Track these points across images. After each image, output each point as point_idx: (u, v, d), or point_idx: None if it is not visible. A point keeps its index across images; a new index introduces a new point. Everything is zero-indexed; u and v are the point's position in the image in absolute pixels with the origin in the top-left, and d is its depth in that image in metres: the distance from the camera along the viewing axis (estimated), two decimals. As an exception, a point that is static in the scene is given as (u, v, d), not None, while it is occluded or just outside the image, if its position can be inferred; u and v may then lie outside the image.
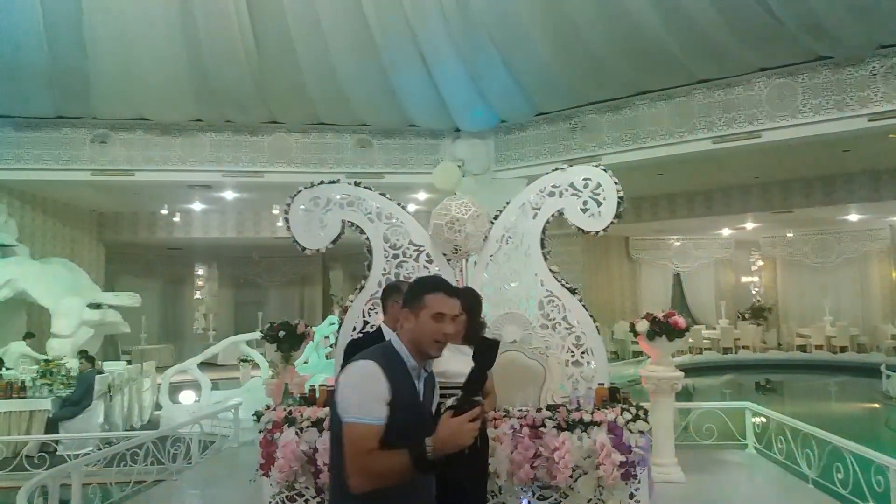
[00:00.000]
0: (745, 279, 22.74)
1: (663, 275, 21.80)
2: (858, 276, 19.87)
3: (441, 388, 3.37)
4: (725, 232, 20.79)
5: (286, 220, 5.59)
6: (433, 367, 3.37)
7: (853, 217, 17.72)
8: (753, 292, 22.40)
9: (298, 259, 22.15)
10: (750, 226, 19.05)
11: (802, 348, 18.87)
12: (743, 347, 19.20)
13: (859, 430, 11.18)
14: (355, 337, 4.04)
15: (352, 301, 5.41)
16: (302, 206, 5.56)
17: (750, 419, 6.50)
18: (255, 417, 4.26)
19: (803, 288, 20.81)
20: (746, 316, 21.06)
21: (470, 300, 3.60)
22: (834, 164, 13.88)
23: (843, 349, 18.00)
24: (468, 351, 3.54)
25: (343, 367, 2.22)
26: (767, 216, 17.37)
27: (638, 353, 17.72)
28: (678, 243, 21.67)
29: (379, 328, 3.64)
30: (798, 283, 21.02)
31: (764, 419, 6.67)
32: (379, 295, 5.12)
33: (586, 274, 17.16)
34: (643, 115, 12.28)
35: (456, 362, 3.44)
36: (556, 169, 5.32)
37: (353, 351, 3.61)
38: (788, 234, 20.73)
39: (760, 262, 22.33)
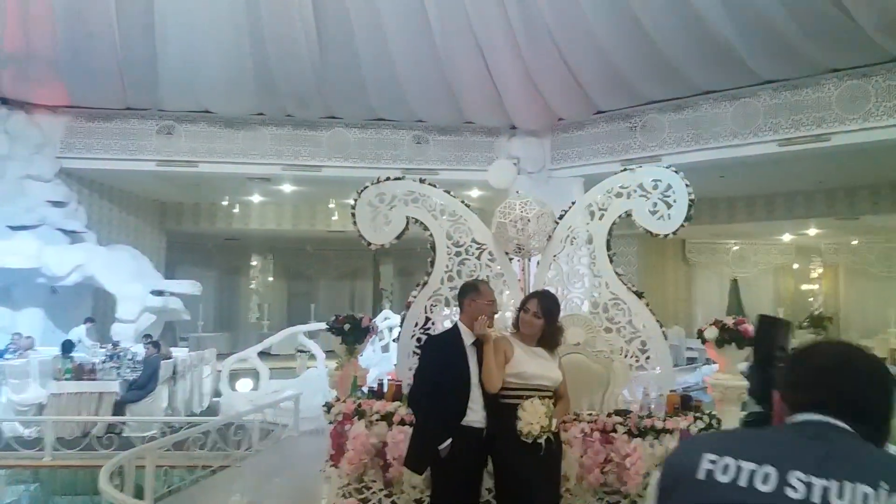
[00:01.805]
0: (805, 287, 22.08)
1: (720, 280, 21.32)
2: (925, 286, 19.12)
3: (517, 388, 3.40)
4: (786, 237, 20.22)
5: (353, 214, 5.64)
6: (511, 370, 3.40)
7: (922, 225, 17.05)
8: (812, 300, 21.75)
9: (350, 253, 22.41)
10: (812, 232, 18.49)
11: (864, 359, 18.23)
12: (801, 356, 18.65)
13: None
14: (435, 334, 4.08)
15: (414, 297, 5.43)
16: (368, 202, 5.59)
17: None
18: (325, 408, 4.34)
19: (866, 297, 20.10)
20: (804, 325, 20.46)
21: (548, 303, 3.60)
22: (905, 170, 13.37)
23: (907, 362, 17.35)
24: (544, 354, 3.55)
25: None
26: (831, 222, 16.83)
27: (692, 360, 17.41)
28: (736, 248, 21.17)
29: (455, 325, 3.67)
30: (861, 292, 20.31)
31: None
32: (441, 291, 5.18)
33: (641, 276, 16.91)
34: (706, 116, 12.04)
35: (532, 364, 3.46)
36: (625, 169, 5.25)
37: (431, 346, 3.68)
38: (853, 242, 20.05)
39: (822, 270, 21.65)
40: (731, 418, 5.32)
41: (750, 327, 5.09)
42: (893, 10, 9.16)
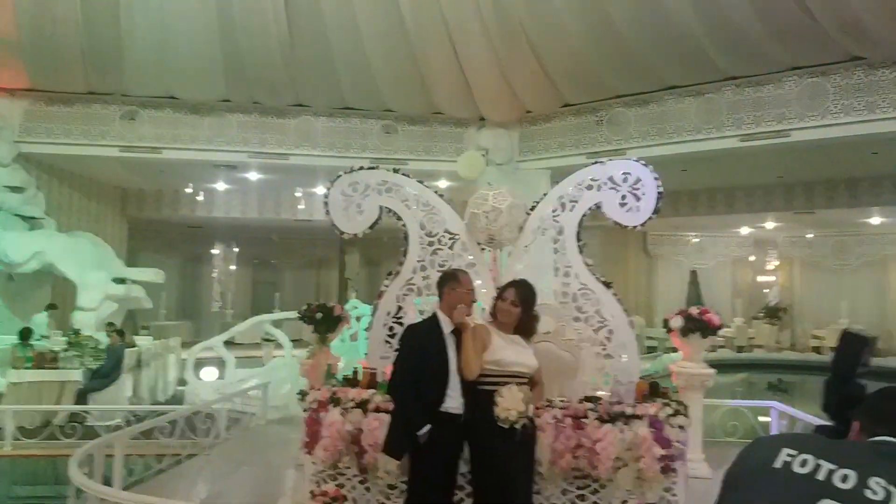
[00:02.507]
0: (761, 278, 22.67)
1: (680, 271, 21.76)
2: (876, 279, 19.79)
3: (495, 375, 3.47)
4: (745, 230, 20.73)
5: (325, 203, 5.63)
6: (489, 357, 3.48)
7: (875, 220, 17.63)
8: (767, 292, 22.33)
9: (316, 242, 22.28)
10: (770, 225, 19.00)
11: (817, 350, 18.81)
12: (757, 347, 19.20)
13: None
14: (414, 323, 4.12)
15: (386, 286, 5.46)
16: (341, 192, 5.59)
17: (777, 418, 6.57)
18: (299, 396, 4.37)
19: (820, 289, 20.74)
20: (760, 315, 21.02)
21: (525, 292, 3.68)
22: (860, 166, 13.80)
23: (858, 352, 17.93)
24: (520, 341, 3.63)
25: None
26: (788, 216, 17.31)
27: (652, 349, 17.78)
28: (696, 240, 21.62)
29: (434, 314, 3.73)
30: (815, 284, 20.95)
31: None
32: (414, 281, 5.22)
33: (603, 268, 16.96)
34: (671, 111, 12.26)
35: (510, 352, 3.53)
36: (596, 162, 5.34)
37: (410, 335, 3.73)
38: (809, 235, 20.64)
39: (778, 262, 22.24)
40: (695, 406, 5.50)
41: (714, 317, 5.26)
42: (853, 11, 9.44)
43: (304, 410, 4.27)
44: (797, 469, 1.31)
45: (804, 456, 1.33)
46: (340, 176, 5.62)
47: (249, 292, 23.15)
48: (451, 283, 3.73)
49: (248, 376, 10.13)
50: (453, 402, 3.45)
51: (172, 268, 20.17)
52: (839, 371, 1.94)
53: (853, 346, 1.97)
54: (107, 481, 5.08)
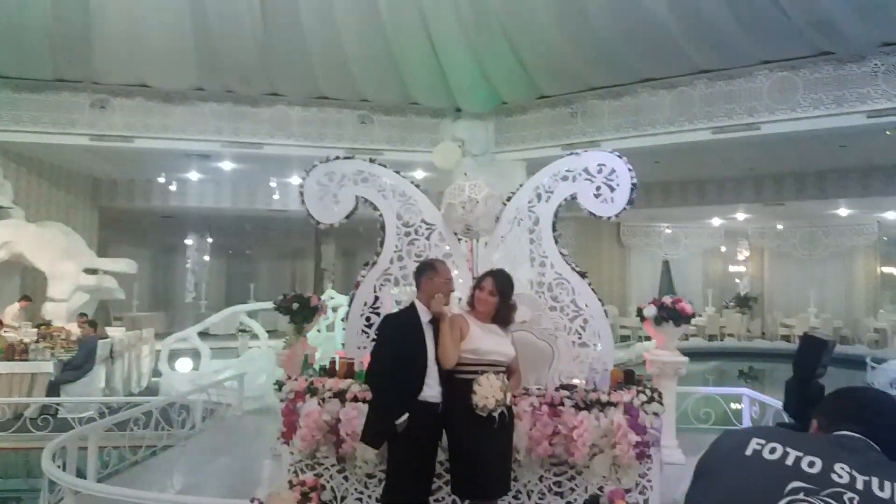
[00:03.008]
0: (732, 268, 23.04)
1: (652, 262, 22.02)
2: (844, 269, 20.21)
3: (472, 364, 3.51)
4: (716, 221, 21.03)
5: (301, 193, 5.61)
6: (466, 346, 3.51)
7: (842, 211, 17.99)
8: (738, 281, 22.71)
9: (291, 232, 22.14)
10: (741, 216, 19.29)
11: (786, 338, 19.20)
12: (728, 335, 19.53)
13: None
14: (392, 312, 4.13)
15: (363, 276, 5.47)
16: (317, 181, 5.58)
17: (748, 405, 6.71)
18: (276, 386, 4.37)
19: (789, 279, 21.14)
20: (730, 305, 21.38)
21: (502, 282, 3.71)
22: (828, 159, 14.07)
23: (826, 341, 18.31)
24: (497, 330, 3.67)
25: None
26: (759, 208, 17.60)
27: (625, 338, 18.00)
28: (669, 231, 21.89)
29: (412, 303, 3.74)
30: (784, 274, 21.35)
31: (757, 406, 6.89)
32: (391, 271, 5.23)
33: (578, 258, 17.07)
34: (644, 103, 12.38)
35: (487, 341, 3.57)
36: (571, 153, 5.39)
37: (388, 324, 3.74)
38: (778, 226, 21.00)
39: (748, 253, 22.62)
40: (669, 393, 5.60)
41: (687, 306, 5.35)
42: (823, 6, 9.61)
43: (281, 401, 4.27)
44: (767, 455, 1.38)
45: (773, 444, 1.40)
46: (316, 165, 5.60)
47: (224, 283, 22.95)
48: (429, 272, 3.74)
49: (224, 367, 10.06)
50: (431, 390, 3.48)
51: (145, 258, 19.95)
52: (799, 372, 2.02)
53: (813, 348, 2.05)
54: (80, 474, 5.05)
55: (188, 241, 22.66)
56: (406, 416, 3.36)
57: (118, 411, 6.29)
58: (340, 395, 4.09)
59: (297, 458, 4.17)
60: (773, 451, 1.39)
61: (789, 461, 1.36)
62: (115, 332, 11.21)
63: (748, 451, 1.41)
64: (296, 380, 4.33)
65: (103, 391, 9.41)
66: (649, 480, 4.02)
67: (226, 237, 22.72)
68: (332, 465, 4.16)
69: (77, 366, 9.05)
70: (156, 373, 10.96)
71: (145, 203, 18.00)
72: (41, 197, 14.87)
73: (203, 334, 11.17)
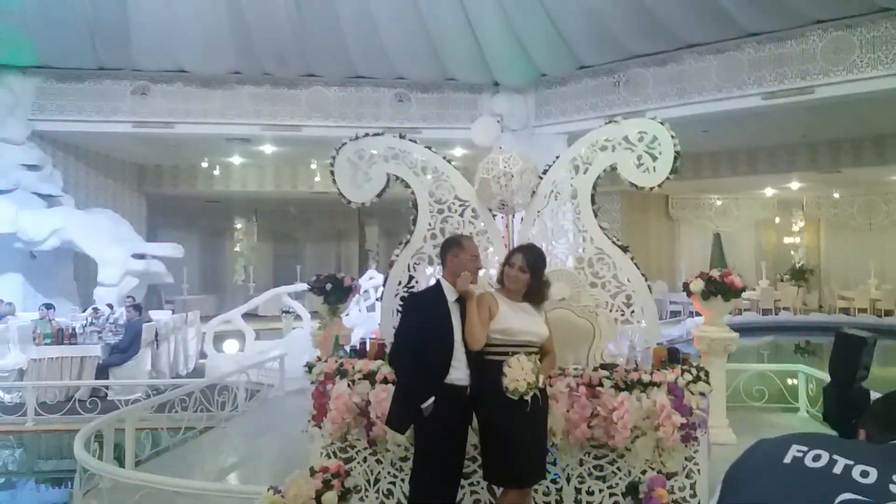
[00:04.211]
0: (787, 240, 22.24)
1: (703, 235, 21.43)
2: (905, 238, 19.31)
3: (502, 345, 3.35)
4: (769, 192, 20.29)
5: (332, 172, 5.51)
6: (496, 326, 3.35)
7: (903, 177, 17.14)
8: (793, 254, 21.92)
9: (335, 214, 22.25)
10: (794, 185, 18.56)
11: (845, 311, 18.49)
12: (783, 309, 18.91)
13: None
14: (416, 291, 3.99)
15: (397, 256, 5.35)
16: (347, 159, 5.47)
17: (804, 382, 6.39)
18: (306, 368, 4.29)
19: (847, 250, 20.30)
20: (785, 278, 20.67)
21: (533, 257, 3.52)
22: (886, 123, 13.36)
23: (888, 313, 17.59)
24: (529, 309, 3.49)
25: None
26: (813, 176, 16.89)
27: (675, 313, 17.58)
28: (719, 203, 21.24)
29: (438, 282, 3.59)
30: (842, 245, 20.52)
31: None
32: (424, 249, 5.09)
33: (624, 233, 16.91)
34: (690, 70, 11.92)
35: (518, 320, 3.40)
36: (610, 121, 5.15)
37: (413, 303, 3.59)
38: (834, 195, 20.16)
39: (803, 223, 21.78)
40: (718, 371, 5.35)
41: (736, 279, 5.07)
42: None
43: (312, 383, 4.19)
44: (810, 463, 1.18)
45: (816, 451, 1.20)
46: (345, 143, 5.49)
47: (271, 265, 23.23)
48: (455, 249, 3.56)
49: (268, 348, 10.14)
50: (459, 373, 3.31)
51: (193, 243, 20.31)
52: (838, 377, 1.76)
53: (850, 348, 1.78)
54: (121, 456, 5.09)
55: (235, 225, 22.97)
56: (432, 399, 3.21)
57: (164, 393, 6.35)
58: (370, 377, 3.98)
59: (328, 441, 4.09)
60: (816, 458, 1.18)
61: (837, 469, 1.15)
62: (160, 315, 11.38)
63: (787, 459, 1.21)
64: (325, 361, 4.24)
65: (150, 374, 9.58)
66: (696, 464, 3.81)
67: (271, 220, 22.97)
68: (364, 449, 4.07)
69: (123, 349, 9.21)
70: (202, 355, 11.12)
71: (190, 188, 18.25)
72: (89, 184, 15.19)
73: (251, 316, 11.28)
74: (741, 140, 15.34)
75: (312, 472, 2.97)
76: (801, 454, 1.20)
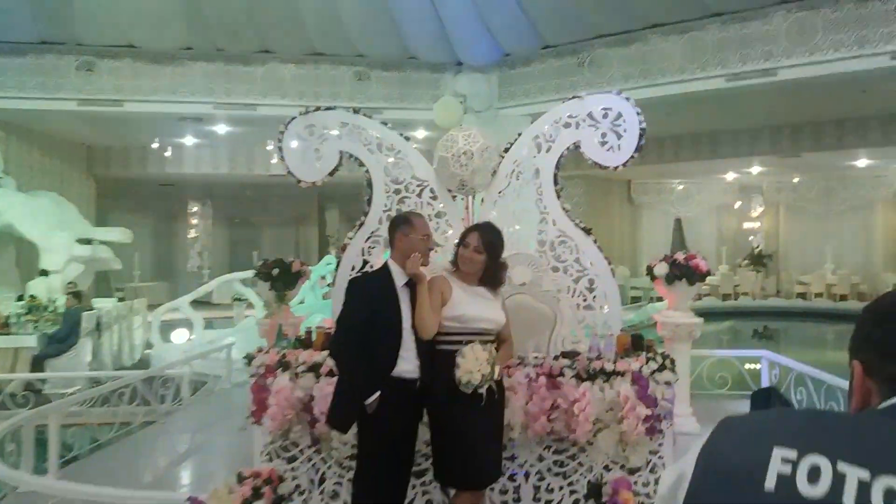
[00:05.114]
0: (747, 225, 22.42)
1: (664, 219, 21.48)
2: (862, 223, 19.58)
3: (456, 333, 3.06)
4: (730, 176, 20.38)
5: (279, 149, 5.18)
6: (448, 313, 3.06)
7: (861, 162, 17.31)
8: (752, 238, 22.10)
9: (293, 198, 21.68)
10: (755, 170, 18.64)
11: (802, 296, 18.71)
12: (742, 294, 19.04)
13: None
14: (354, 276, 3.67)
15: (350, 239, 5.03)
16: (296, 135, 5.14)
17: (768, 368, 6.26)
18: (245, 360, 3.95)
19: (805, 235, 20.52)
20: (744, 263, 20.82)
21: (490, 236, 3.21)
22: (847, 107, 13.40)
23: (843, 297, 17.82)
24: (486, 294, 3.20)
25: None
26: (774, 160, 16.95)
27: (636, 299, 17.57)
28: (681, 187, 21.28)
29: (385, 264, 3.26)
30: (800, 230, 20.73)
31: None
32: (380, 232, 4.78)
33: (587, 217, 16.64)
34: (654, 50, 11.76)
35: (473, 306, 3.10)
36: (574, 97, 4.90)
37: (356, 287, 3.25)
38: (794, 180, 20.32)
39: (763, 208, 21.96)
40: (682, 357, 5.16)
41: (701, 262, 4.88)
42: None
43: (251, 376, 3.85)
44: (804, 488, 0.76)
45: (812, 457, 0.78)
46: (294, 118, 5.15)
47: (227, 251, 22.60)
48: (404, 227, 3.22)
49: (218, 338, 9.72)
50: (407, 364, 3.00)
51: (146, 227, 19.64)
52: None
53: (761, 403, 1.51)
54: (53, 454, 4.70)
55: (189, 209, 22.28)
56: (377, 394, 2.90)
57: (100, 386, 5.94)
58: (315, 369, 3.67)
59: (269, 438, 3.76)
60: (814, 473, 0.76)
61: (848, 496, 0.73)
62: (103, 303, 10.84)
63: (768, 483, 0.78)
64: (266, 353, 3.91)
65: (90, 365, 9.09)
66: (661, 457, 3.59)
67: (227, 204, 22.32)
68: (309, 447, 3.75)
69: (61, 339, 8.72)
70: (149, 345, 10.65)
71: (142, 170, 17.60)
72: (33, 166, 14.48)
73: (204, 304, 10.82)
74: (704, 123, 15.29)
75: (240, 479, 2.65)
76: (789, 467, 0.78)
